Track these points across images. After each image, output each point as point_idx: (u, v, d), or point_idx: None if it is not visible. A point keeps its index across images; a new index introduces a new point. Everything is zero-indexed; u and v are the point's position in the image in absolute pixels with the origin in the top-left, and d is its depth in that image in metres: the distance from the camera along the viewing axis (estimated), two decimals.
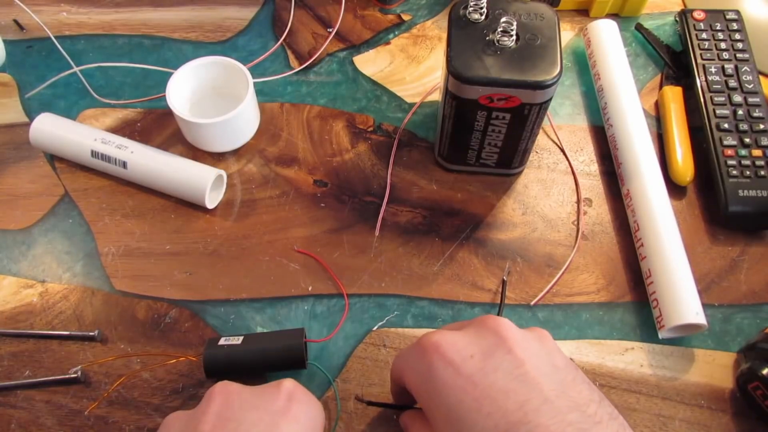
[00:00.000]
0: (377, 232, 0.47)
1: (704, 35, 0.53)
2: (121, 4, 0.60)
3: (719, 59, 0.52)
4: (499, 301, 0.44)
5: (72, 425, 0.39)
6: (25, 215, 0.48)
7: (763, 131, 0.48)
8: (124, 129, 0.52)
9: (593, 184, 0.50)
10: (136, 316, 0.43)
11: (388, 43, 0.58)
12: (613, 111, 0.50)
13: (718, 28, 0.54)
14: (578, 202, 0.49)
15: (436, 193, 0.49)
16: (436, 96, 0.54)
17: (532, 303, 0.44)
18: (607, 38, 0.54)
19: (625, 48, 0.54)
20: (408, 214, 0.48)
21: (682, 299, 0.41)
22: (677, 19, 0.56)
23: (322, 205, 0.48)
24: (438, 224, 0.47)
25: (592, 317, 0.44)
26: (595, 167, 0.51)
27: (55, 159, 0.50)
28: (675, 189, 0.49)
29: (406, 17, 0.60)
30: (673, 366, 0.42)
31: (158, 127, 0.52)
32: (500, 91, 0.40)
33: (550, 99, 0.42)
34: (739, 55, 0.52)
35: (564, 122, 0.53)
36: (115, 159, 0.47)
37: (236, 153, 0.51)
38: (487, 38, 0.41)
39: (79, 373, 0.41)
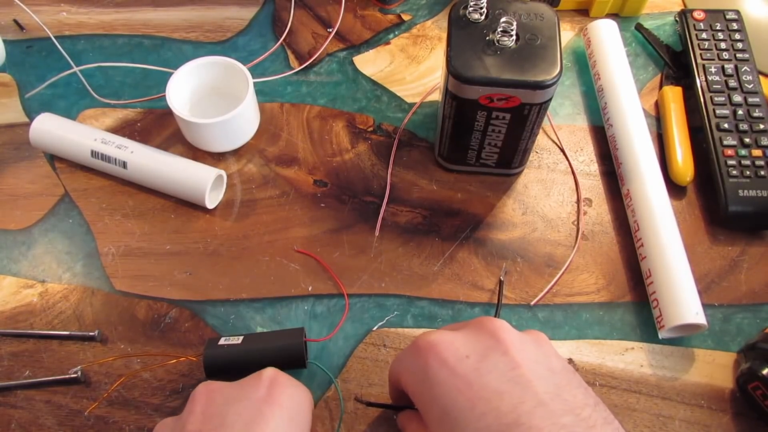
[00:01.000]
0: (377, 232, 0.47)
1: (704, 35, 0.53)
2: (121, 4, 0.60)
3: (719, 59, 0.52)
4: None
5: (72, 425, 0.39)
6: (25, 215, 0.48)
7: (763, 131, 0.48)
8: (124, 129, 0.52)
9: (593, 184, 0.50)
10: (136, 316, 0.43)
11: (388, 43, 0.58)
12: (613, 111, 0.50)
13: (718, 28, 0.54)
14: (578, 202, 0.49)
15: (436, 193, 0.49)
16: (436, 96, 0.54)
17: (532, 303, 0.44)
18: (607, 38, 0.54)
19: (625, 48, 0.54)
20: (408, 214, 0.48)
21: (682, 299, 0.41)
22: (677, 19, 0.56)
23: (322, 205, 0.48)
24: (438, 224, 0.47)
25: (592, 317, 0.44)
26: (595, 167, 0.51)
27: (55, 159, 0.50)
28: (675, 189, 0.49)
29: (406, 17, 0.60)
30: (673, 366, 0.42)
31: (158, 127, 0.52)
32: (500, 91, 0.40)
33: (550, 99, 0.42)
34: (739, 55, 0.52)
35: (564, 122, 0.53)
36: (115, 159, 0.47)
37: (236, 153, 0.51)
38: (487, 38, 0.41)
39: (79, 373, 0.41)
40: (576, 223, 0.48)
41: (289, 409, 0.33)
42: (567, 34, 0.59)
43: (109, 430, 0.39)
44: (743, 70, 0.51)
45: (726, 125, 0.49)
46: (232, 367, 0.40)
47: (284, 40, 0.58)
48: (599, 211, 0.49)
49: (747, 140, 0.48)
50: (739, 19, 0.54)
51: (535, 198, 0.49)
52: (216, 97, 0.52)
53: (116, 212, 0.48)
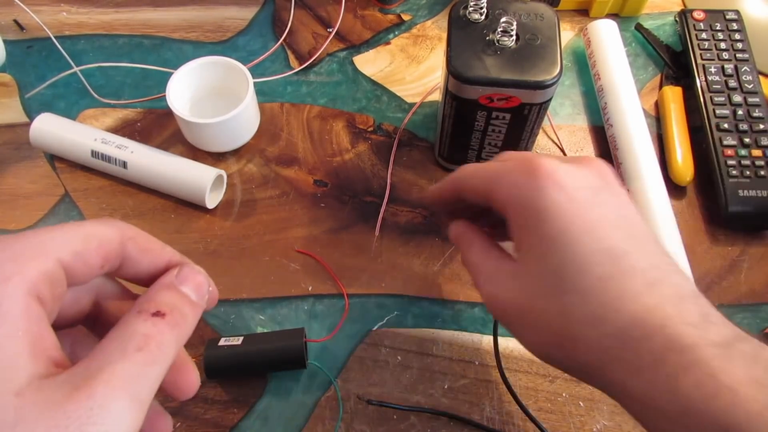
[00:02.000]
0: (377, 232, 0.47)
1: (704, 35, 0.53)
2: (121, 4, 0.60)
3: (719, 59, 0.52)
4: None
5: None
6: (25, 215, 0.48)
7: (763, 131, 0.48)
8: (124, 129, 0.52)
9: None
10: None
11: (388, 43, 0.58)
12: (613, 111, 0.50)
13: (717, 28, 0.54)
14: None
15: None
16: (437, 96, 0.54)
17: None
18: (607, 38, 0.54)
19: (625, 48, 0.54)
20: (408, 214, 0.48)
21: None
22: (677, 19, 0.56)
23: (322, 205, 0.48)
24: (438, 224, 0.47)
25: None
26: None
27: (55, 159, 0.50)
28: (675, 189, 0.49)
29: (406, 17, 0.60)
30: None
31: (158, 127, 0.52)
32: (500, 91, 0.40)
33: (550, 99, 0.42)
34: (738, 55, 0.52)
35: (564, 122, 0.53)
36: (115, 159, 0.47)
37: (236, 153, 0.51)
38: (487, 38, 0.41)
39: None
40: None
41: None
42: (567, 34, 0.59)
43: None
44: (743, 70, 0.51)
45: (726, 125, 0.49)
46: (232, 367, 0.40)
47: (284, 40, 0.58)
48: None
49: (747, 140, 0.48)
50: (739, 19, 0.54)
51: None
52: (216, 97, 0.52)
53: (116, 212, 0.48)
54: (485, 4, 0.42)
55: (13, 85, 0.55)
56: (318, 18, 0.60)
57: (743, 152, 0.48)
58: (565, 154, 0.51)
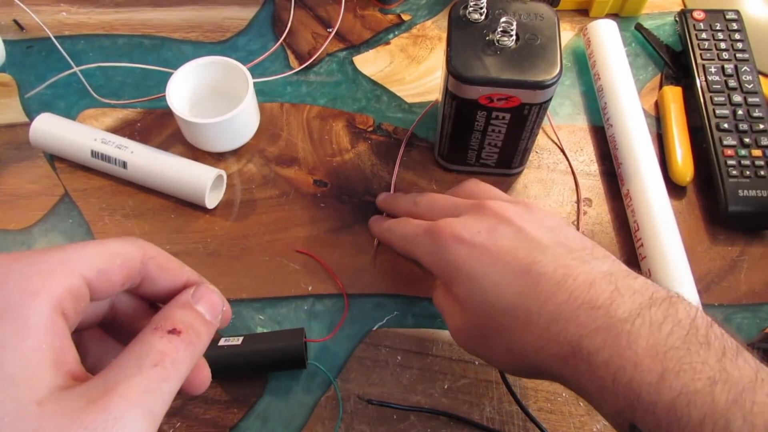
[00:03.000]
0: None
1: (704, 35, 0.53)
2: (121, 4, 0.60)
3: (719, 59, 0.52)
4: None
5: None
6: (25, 215, 0.48)
7: (762, 131, 0.48)
8: (124, 129, 0.52)
9: (593, 184, 0.50)
10: None
11: (388, 43, 0.58)
12: (613, 111, 0.50)
13: (717, 28, 0.54)
14: (578, 202, 0.49)
15: None
16: (437, 96, 0.54)
17: None
18: (607, 38, 0.54)
19: (625, 48, 0.54)
20: None
21: None
22: (677, 19, 0.56)
23: (322, 205, 0.48)
24: None
25: None
26: (595, 167, 0.51)
27: (55, 159, 0.50)
28: (675, 189, 0.49)
29: (406, 17, 0.60)
30: None
31: (158, 127, 0.52)
32: (500, 91, 0.40)
33: (550, 99, 0.42)
34: (738, 55, 0.52)
35: (564, 122, 0.53)
36: (115, 159, 0.47)
37: (236, 153, 0.51)
38: (487, 38, 0.41)
39: None
40: (576, 223, 0.48)
41: None
42: (567, 34, 0.59)
43: None
44: (743, 70, 0.51)
45: (726, 125, 0.49)
46: (232, 367, 0.40)
47: (284, 40, 0.58)
48: (599, 211, 0.49)
49: (747, 140, 0.48)
50: (739, 19, 0.54)
51: (535, 198, 0.49)
52: (216, 97, 0.52)
53: (116, 212, 0.48)
54: (485, 4, 0.42)
55: (13, 85, 0.54)
56: (318, 18, 0.60)
57: (743, 152, 0.48)
58: (565, 154, 0.51)
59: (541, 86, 0.40)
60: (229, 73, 0.50)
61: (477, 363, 0.42)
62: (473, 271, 0.33)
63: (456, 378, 0.41)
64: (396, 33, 0.59)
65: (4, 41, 0.56)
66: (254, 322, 0.43)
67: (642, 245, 0.45)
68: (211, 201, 0.47)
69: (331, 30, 0.58)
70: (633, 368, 0.27)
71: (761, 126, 0.48)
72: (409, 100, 0.54)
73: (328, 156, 0.51)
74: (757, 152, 0.47)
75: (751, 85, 0.50)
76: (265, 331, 0.43)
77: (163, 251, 0.26)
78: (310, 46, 0.57)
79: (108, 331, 0.27)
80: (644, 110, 0.51)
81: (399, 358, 0.42)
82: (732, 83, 0.51)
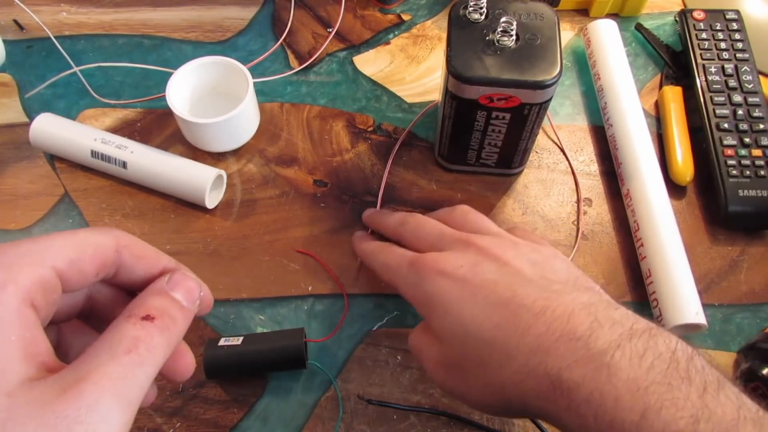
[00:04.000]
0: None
1: (704, 35, 0.53)
2: (121, 4, 0.60)
3: (719, 59, 0.52)
4: None
5: None
6: (25, 215, 0.48)
7: (763, 131, 0.48)
8: (124, 129, 0.52)
9: (593, 184, 0.50)
10: None
11: (388, 43, 0.58)
12: (613, 111, 0.50)
13: (718, 28, 0.54)
14: (578, 202, 0.49)
15: (436, 193, 0.49)
16: (436, 96, 0.54)
17: None
18: (607, 38, 0.54)
19: (625, 48, 0.54)
20: None
21: (682, 299, 0.41)
22: (677, 19, 0.56)
23: (322, 205, 0.48)
24: None
25: None
26: (595, 167, 0.51)
27: (55, 159, 0.50)
28: (675, 189, 0.49)
29: (406, 17, 0.60)
30: None
31: (158, 127, 0.52)
32: (500, 91, 0.40)
33: (550, 99, 0.42)
34: (739, 55, 0.52)
35: (564, 122, 0.53)
36: (115, 159, 0.47)
37: (236, 153, 0.51)
38: (487, 38, 0.41)
39: None
40: (576, 223, 0.48)
41: None
42: (567, 34, 0.59)
43: None
44: (743, 70, 0.51)
45: (726, 125, 0.49)
46: (232, 367, 0.40)
47: (284, 40, 0.58)
48: (599, 211, 0.49)
49: (747, 140, 0.48)
50: (739, 19, 0.54)
51: (535, 198, 0.49)
52: (216, 97, 0.52)
53: (116, 212, 0.48)
54: (485, 4, 0.42)
55: (13, 85, 0.54)
56: (318, 18, 0.60)
57: (743, 152, 0.48)
58: (565, 154, 0.51)
59: (541, 86, 0.40)
60: (229, 73, 0.50)
61: None
62: (453, 303, 0.33)
63: None
64: (396, 33, 0.59)
65: (4, 41, 0.56)
66: (254, 322, 0.43)
67: (642, 245, 0.45)
68: (211, 201, 0.47)
69: (331, 30, 0.58)
70: (614, 405, 0.26)
71: (761, 126, 0.48)
72: (409, 100, 0.54)
73: (328, 156, 0.51)
74: (757, 152, 0.47)
75: (751, 85, 0.50)
76: (265, 331, 0.43)
77: (139, 240, 0.26)
78: (310, 46, 0.57)
79: (88, 323, 0.27)
80: (644, 110, 0.51)
81: (399, 358, 0.42)
82: (732, 83, 0.51)
